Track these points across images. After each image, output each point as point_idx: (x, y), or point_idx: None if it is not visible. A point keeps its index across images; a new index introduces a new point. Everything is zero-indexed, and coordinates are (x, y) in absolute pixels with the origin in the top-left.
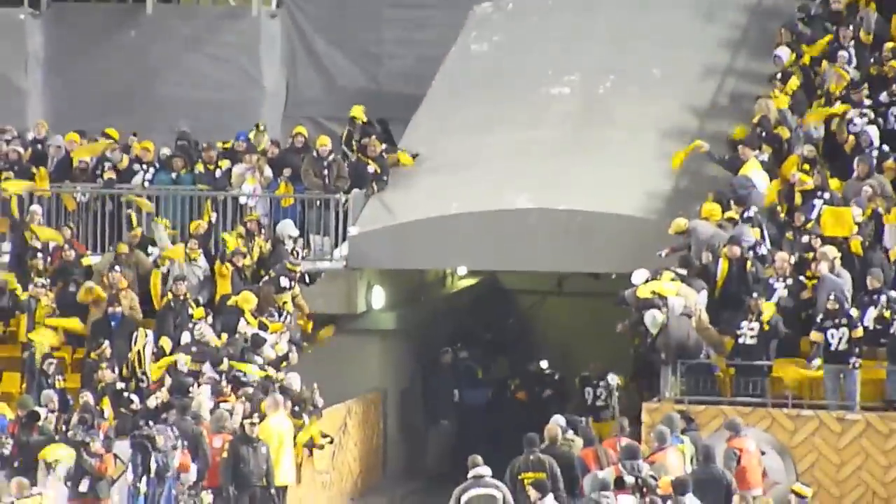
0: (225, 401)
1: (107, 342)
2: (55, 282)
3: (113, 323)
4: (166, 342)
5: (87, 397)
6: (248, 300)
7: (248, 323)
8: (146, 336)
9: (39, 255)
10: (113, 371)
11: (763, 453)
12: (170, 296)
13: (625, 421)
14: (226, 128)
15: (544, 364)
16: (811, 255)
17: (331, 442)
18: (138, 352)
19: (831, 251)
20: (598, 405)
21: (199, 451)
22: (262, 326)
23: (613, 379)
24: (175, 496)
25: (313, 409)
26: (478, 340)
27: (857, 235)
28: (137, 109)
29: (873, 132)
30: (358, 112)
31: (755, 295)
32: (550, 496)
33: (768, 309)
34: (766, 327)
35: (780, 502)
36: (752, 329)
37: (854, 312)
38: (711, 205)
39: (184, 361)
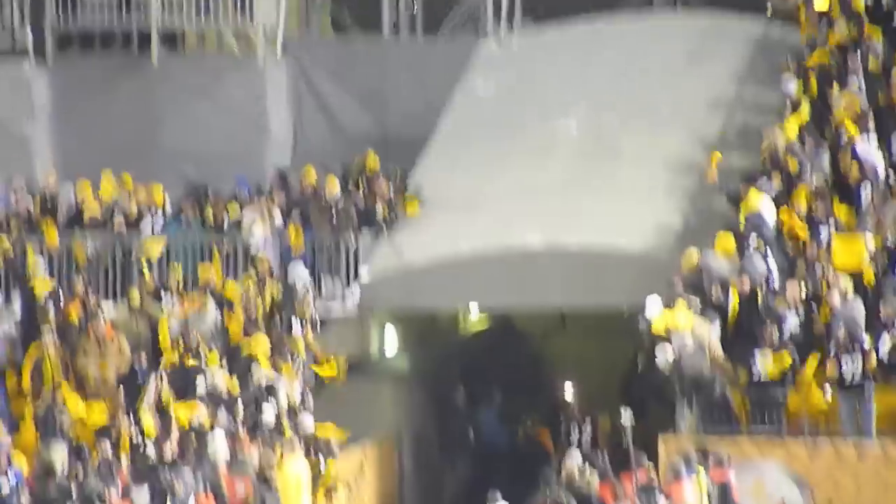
0: (240, 445)
1: (122, 390)
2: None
3: (140, 376)
4: (166, 393)
5: (106, 446)
6: (260, 344)
7: (260, 366)
8: (149, 385)
9: (50, 305)
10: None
11: None
12: (182, 344)
13: (642, 456)
14: (234, 173)
15: (568, 392)
16: (823, 284)
17: (348, 486)
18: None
19: (844, 281)
20: (584, 447)
21: (218, 497)
22: (276, 368)
23: (627, 414)
24: None
25: (328, 450)
26: (492, 381)
27: (870, 264)
28: (144, 158)
29: (879, 161)
30: (372, 161)
31: (768, 323)
32: None
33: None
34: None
35: None
36: (765, 360)
37: (868, 341)
38: (725, 237)
39: (201, 412)
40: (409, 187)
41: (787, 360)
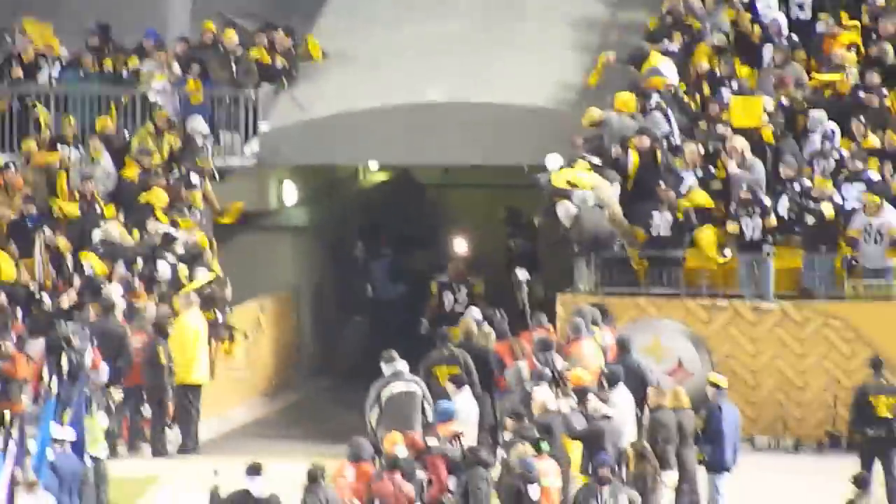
0: (137, 298)
1: (13, 243)
2: None
3: (30, 224)
4: (62, 241)
5: (1, 297)
6: (158, 197)
7: (158, 220)
8: (42, 235)
9: None
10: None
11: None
12: (77, 195)
13: (542, 316)
14: (135, 25)
15: (459, 248)
16: (723, 145)
17: (245, 337)
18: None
19: (740, 142)
20: (458, 311)
21: (123, 349)
22: (173, 223)
23: (523, 273)
24: (88, 396)
25: (224, 304)
26: (390, 235)
27: (769, 124)
28: (45, 5)
29: (782, 20)
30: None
31: (663, 185)
32: (467, 388)
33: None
34: (680, 217)
35: (696, 393)
36: (663, 219)
37: (767, 201)
38: (625, 95)
39: (93, 262)
40: (309, 41)
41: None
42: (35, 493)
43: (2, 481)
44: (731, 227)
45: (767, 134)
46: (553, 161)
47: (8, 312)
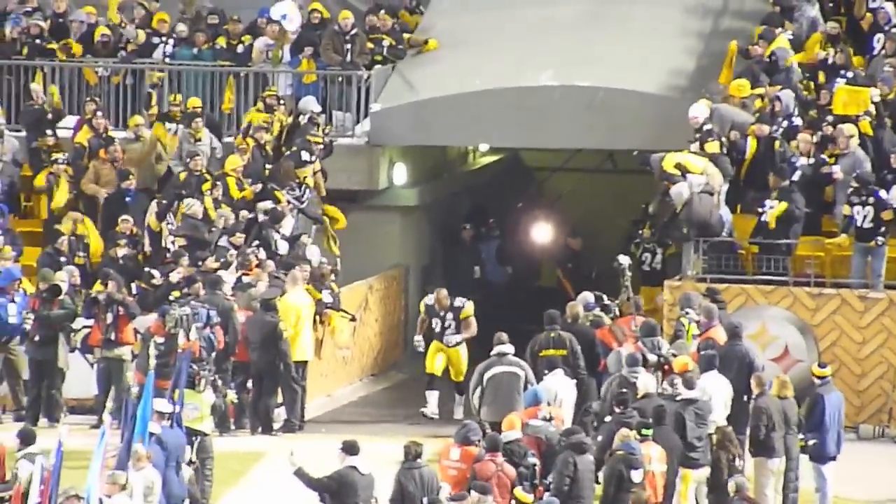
0: (247, 274)
1: (128, 218)
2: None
3: (128, 199)
4: (152, 220)
5: (113, 274)
6: (232, 162)
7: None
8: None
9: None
10: (134, 247)
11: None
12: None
13: (640, 300)
14: (247, 1)
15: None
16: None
17: (353, 320)
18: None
19: (849, 129)
20: (448, 333)
21: (230, 325)
22: (275, 200)
23: (625, 259)
24: (195, 371)
25: (331, 283)
26: (499, 217)
27: (866, 116)
28: None
29: (890, 9)
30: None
31: (779, 169)
32: (559, 371)
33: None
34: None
35: (801, 380)
36: (774, 207)
37: (884, 194)
38: (740, 81)
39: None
40: (422, 24)
41: (783, 207)
42: (144, 468)
43: (99, 454)
44: (846, 210)
45: (865, 125)
46: (697, 110)
47: (121, 283)
